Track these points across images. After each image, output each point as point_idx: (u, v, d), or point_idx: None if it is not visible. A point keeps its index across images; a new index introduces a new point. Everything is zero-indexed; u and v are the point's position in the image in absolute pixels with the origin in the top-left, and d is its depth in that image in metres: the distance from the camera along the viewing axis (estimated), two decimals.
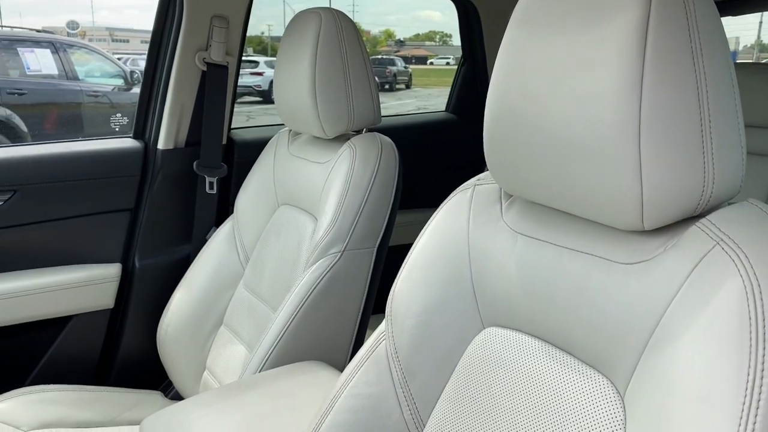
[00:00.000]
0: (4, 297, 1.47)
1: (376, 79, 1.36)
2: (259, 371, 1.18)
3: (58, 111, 6.80)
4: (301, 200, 1.38)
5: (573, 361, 0.69)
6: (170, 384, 1.61)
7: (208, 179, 1.64)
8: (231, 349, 1.41)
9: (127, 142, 1.64)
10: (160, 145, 1.62)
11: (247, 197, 1.52)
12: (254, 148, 1.59)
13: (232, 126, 1.77)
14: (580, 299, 0.68)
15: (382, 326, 0.87)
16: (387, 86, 18.54)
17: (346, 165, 1.24)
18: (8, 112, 6.39)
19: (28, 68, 6.76)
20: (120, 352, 1.64)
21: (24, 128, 6.45)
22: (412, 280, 0.85)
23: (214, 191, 1.66)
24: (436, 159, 2.12)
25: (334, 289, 1.21)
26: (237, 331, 1.42)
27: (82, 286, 1.57)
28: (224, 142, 1.70)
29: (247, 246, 1.49)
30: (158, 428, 0.99)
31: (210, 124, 1.63)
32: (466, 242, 0.82)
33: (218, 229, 1.56)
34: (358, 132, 1.36)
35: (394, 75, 19.36)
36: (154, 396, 1.52)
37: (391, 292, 0.88)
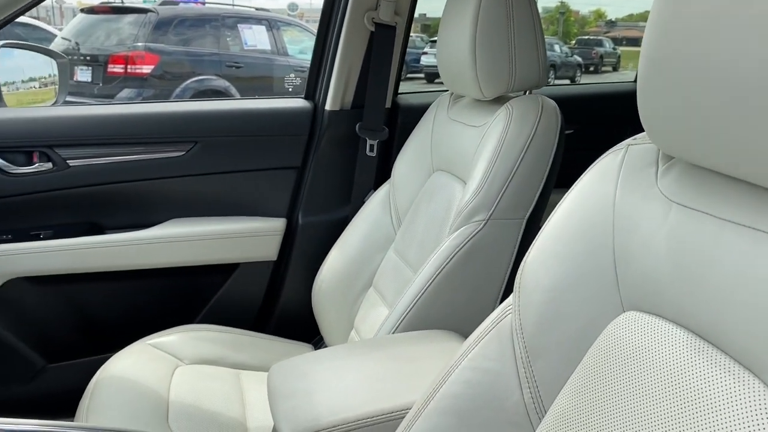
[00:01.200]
0: (182, 240, 1.60)
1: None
2: (393, 333, 1.15)
3: (268, 83, 7.35)
4: (455, 165, 1.32)
5: (723, 359, 0.56)
6: (321, 339, 1.66)
7: (368, 142, 1.65)
8: (376, 310, 1.40)
9: (299, 102, 1.70)
10: (328, 106, 1.65)
11: (404, 161, 1.49)
12: (418, 113, 1.56)
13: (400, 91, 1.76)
14: (739, 284, 0.55)
15: (510, 299, 0.79)
16: (592, 68, 17.59)
17: (500, 127, 1.16)
18: (226, 83, 7.04)
19: (246, 44, 7.38)
20: (279, 303, 1.72)
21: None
22: (545, 250, 0.76)
23: (374, 154, 1.66)
24: (618, 134, 1.93)
25: (475, 258, 1.14)
26: (383, 294, 1.41)
27: (249, 237, 1.66)
28: (388, 105, 1.69)
29: (400, 210, 1.47)
30: (282, 374, 1.01)
31: (374, 86, 1.62)
32: (611, 211, 0.71)
33: (375, 192, 1.56)
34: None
35: (601, 57, 18.30)
36: (304, 348, 1.57)
37: (522, 262, 0.79)
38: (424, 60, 12.63)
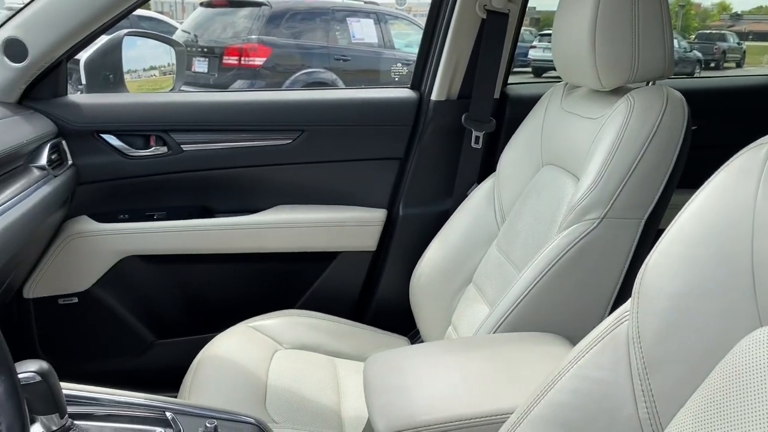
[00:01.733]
0: (286, 226, 1.63)
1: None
2: (494, 333, 1.10)
3: (374, 76, 7.41)
4: (566, 160, 1.25)
5: None
6: (418, 333, 1.63)
7: (474, 133, 1.60)
8: (475, 307, 1.36)
9: (404, 92, 1.68)
10: (434, 96, 1.62)
11: (511, 154, 1.44)
12: (529, 105, 1.49)
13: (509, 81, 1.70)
14: None
15: (627, 305, 0.73)
16: (713, 64, 16.54)
17: (620, 120, 1.08)
18: (334, 76, 7.16)
19: (354, 37, 7.48)
20: (377, 293, 1.72)
21: None
22: (670, 254, 0.69)
23: (479, 146, 1.61)
24: (753, 132, 1.77)
25: (586, 259, 1.07)
26: (483, 291, 1.36)
27: (350, 226, 1.66)
28: (497, 96, 1.63)
29: (505, 205, 1.41)
30: (378, 368, 0.99)
31: (482, 76, 1.57)
32: (750, 213, 0.63)
33: (479, 186, 1.51)
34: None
35: (723, 52, 17.16)
36: (401, 341, 1.55)
37: (642, 266, 0.73)
38: (533, 54, 12.31)
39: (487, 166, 1.64)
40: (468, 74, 1.61)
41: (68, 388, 0.97)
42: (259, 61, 6.66)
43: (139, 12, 7.76)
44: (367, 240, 1.68)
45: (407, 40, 7.78)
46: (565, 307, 1.09)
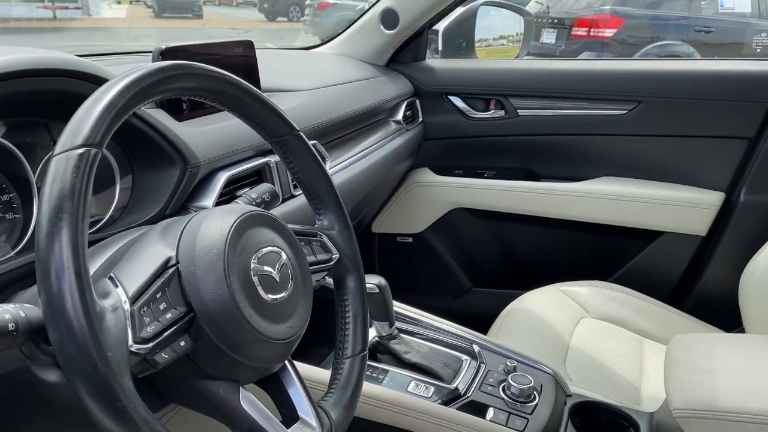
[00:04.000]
0: (610, 198, 1.62)
1: None
2: None
3: (740, 51, 6.55)
4: None
5: None
6: (742, 331, 1.49)
7: None
8: None
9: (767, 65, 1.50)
10: None
11: None
12: None
13: None
14: None
15: None
16: None
17: None
18: (691, 49, 6.52)
19: (722, 6, 6.68)
20: (700, 281, 1.60)
21: None
22: None
23: None
24: None
25: None
26: None
27: (679, 206, 1.58)
28: None
29: None
30: (684, 346, 0.95)
31: None
32: None
33: None
34: None
35: None
36: None
37: None
38: None
39: None
40: None
41: (398, 306, 1.15)
42: (609, 32, 6.41)
43: None
44: (697, 223, 1.57)
45: None
46: None
